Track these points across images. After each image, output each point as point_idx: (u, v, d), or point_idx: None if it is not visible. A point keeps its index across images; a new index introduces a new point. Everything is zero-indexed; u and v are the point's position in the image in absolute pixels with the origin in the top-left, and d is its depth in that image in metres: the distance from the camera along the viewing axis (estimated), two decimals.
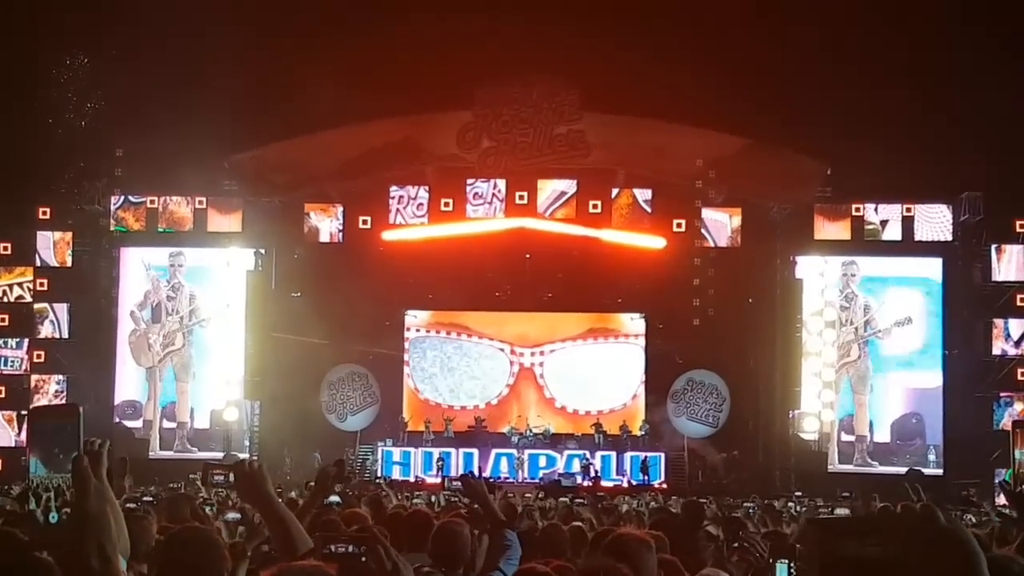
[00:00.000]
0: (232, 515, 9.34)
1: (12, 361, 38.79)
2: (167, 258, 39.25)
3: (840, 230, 37.99)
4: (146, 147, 37.89)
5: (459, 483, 6.62)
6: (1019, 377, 36.88)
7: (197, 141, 34.39)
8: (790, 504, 19.87)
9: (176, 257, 39.18)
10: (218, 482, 4.82)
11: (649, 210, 38.58)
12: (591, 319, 40.89)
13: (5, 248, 38.76)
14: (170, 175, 37.16)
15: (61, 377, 38.42)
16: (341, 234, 39.13)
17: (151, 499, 11.60)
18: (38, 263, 38.53)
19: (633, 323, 40.66)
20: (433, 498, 16.96)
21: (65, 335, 38.62)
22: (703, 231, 38.47)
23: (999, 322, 37.15)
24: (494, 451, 38.03)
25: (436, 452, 37.61)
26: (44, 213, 38.58)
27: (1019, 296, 37.02)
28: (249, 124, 36.85)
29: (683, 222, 38.35)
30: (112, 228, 38.98)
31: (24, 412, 37.60)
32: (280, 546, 4.52)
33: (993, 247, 37.25)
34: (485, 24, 36.38)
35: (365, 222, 38.94)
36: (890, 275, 38.16)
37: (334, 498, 10.37)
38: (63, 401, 37.88)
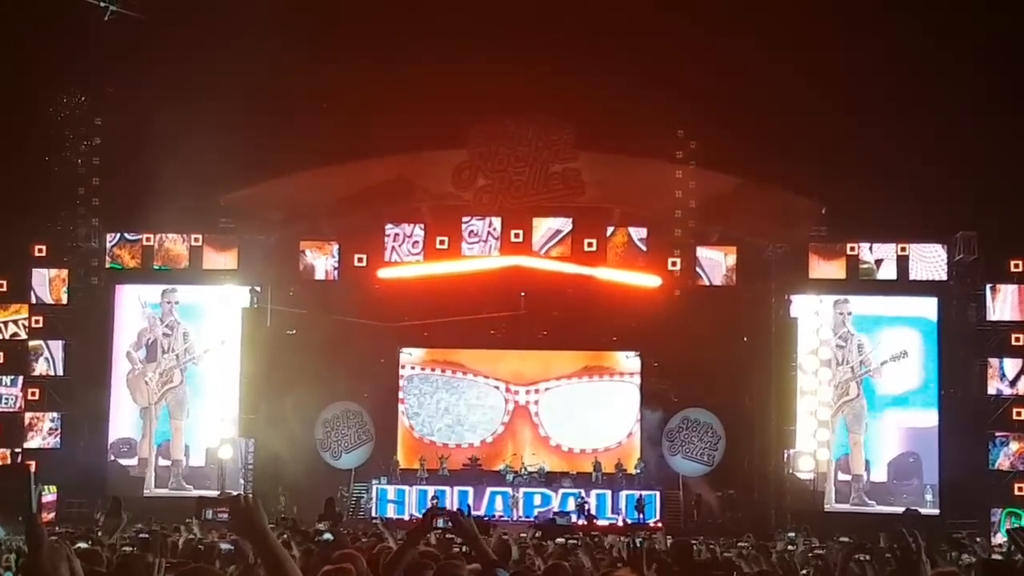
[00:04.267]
0: (225, 546, 9.21)
1: (7, 399, 38.58)
2: (160, 295, 39.21)
3: (835, 269, 37.95)
4: (142, 184, 37.91)
5: (447, 521, 6.52)
6: (1015, 417, 36.82)
7: (193, 178, 34.37)
8: (789, 546, 19.72)
9: (169, 294, 39.07)
10: (213, 518, 4.78)
11: (644, 248, 38.53)
12: (586, 357, 40.87)
13: (0, 285, 38.70)
14: (166, 212, 37.11)
15: (56, 415, 38.23)
16: (336, 271, 39.05)
17: (147, 535, 11.52)
18: (33, 300, 38.42)
19: (628, 361, 40.64)
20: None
21: (60, 372, 38.46)
22: (698, 270, 38.46)
23: (994, 362, 37.09)
24: (489, 489, 37.92)
25: (431, 490, 37.50)
26: (40, 250, 38.52)
27: (1014, 336, 37.02)
28: (245, 161, 36.84)
29: (678, 260, 38.28)
30: (108, 265, 38.96)
31: (18, 451, 37.51)
32: None
33: (988, 287, 37.25)
34: (480, 63, 36.48)
35: (360, 259, 38.89)
36: (885, 314, 38.09)
37: (327, 535, 10.34)
38: (57, 440, 37.84)
